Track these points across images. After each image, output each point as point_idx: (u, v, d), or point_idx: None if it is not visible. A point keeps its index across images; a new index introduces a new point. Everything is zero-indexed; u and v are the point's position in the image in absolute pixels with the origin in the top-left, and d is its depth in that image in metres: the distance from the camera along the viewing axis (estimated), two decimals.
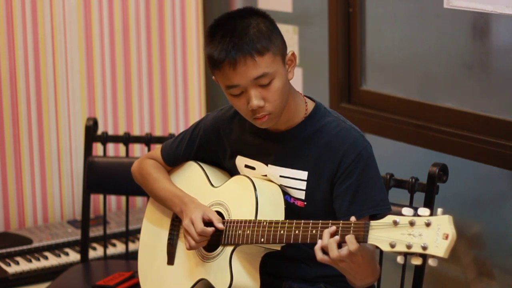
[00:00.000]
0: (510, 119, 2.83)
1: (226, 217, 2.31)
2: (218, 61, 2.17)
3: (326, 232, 2.03)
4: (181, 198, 2.40)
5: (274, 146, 2.32)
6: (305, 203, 2.27)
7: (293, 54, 2.25)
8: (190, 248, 2.31)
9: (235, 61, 2.15)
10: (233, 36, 2.15)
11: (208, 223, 2.30)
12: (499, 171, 2.88)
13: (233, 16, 2.22)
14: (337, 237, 2.01)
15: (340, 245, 2.01)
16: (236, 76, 2.16)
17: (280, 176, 2.31)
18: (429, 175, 2.47)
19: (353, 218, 2.02)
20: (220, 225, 2.28)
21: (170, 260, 2.44)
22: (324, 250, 2.03)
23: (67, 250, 3.62)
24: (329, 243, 2.02)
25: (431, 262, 1.85)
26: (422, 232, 1.86)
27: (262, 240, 2.19)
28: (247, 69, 2.15)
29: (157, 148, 2.59)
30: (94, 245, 3.65)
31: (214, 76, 2.25)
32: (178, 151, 2.51)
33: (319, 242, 2.03)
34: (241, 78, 2.16)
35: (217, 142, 2.44)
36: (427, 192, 2.48)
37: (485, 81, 2.96)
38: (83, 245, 3.24)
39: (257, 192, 2.25)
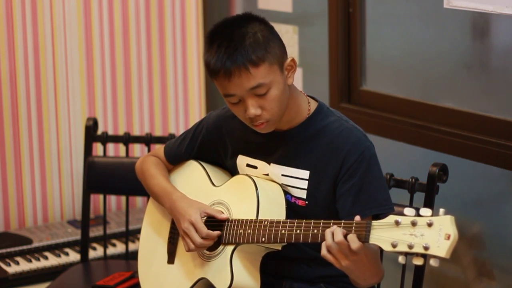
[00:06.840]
0: (510, 119, 2.83)
1: None
2: (214, 71, 2.18)
3: (328, 232, 2.03)
4: (169, 194, 2.40)
5: (276, 145, 2.32)
6: (306, 202, 2.28)
7: (292, 60, 2.24)
8: (190, 250, 2.31)
9: (229, 72, 2.15)
10: (229, 47, 2.15)
11: (207, 221, 2.30)
12: (499, 171, 2.88)
13: (231, 24, 2.21)
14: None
15: None
16: (232, 86, 2.17)
17: (282, 175, 2.31)
18: (429, 175, 2.47)
19: (357, 218, 2.02)
20: (223, 216, 2.28)
21: (171, 259, 2.44)
22: (328, 249, 2.03)
23: (67, 250, 3.62)
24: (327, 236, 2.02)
25: (432, 262, 1.85)
26: (424, 232, 1.86)
27: (263, 239, 2.19)
28: (241, 80, 2.15)
29: (161, 146, 2.60)
30: (94, 245, 3.65)
31: (213, 82, 2.25)
32: (180, 149, 2.52)
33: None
34: (236, 88, 2.17)
35: (219, 141, 2.44)
36: (427, 192, 2.48)
37: (485, 81, 2.96)
38: (83, 245, 3.23)
39: (259, 192, 2.25)
